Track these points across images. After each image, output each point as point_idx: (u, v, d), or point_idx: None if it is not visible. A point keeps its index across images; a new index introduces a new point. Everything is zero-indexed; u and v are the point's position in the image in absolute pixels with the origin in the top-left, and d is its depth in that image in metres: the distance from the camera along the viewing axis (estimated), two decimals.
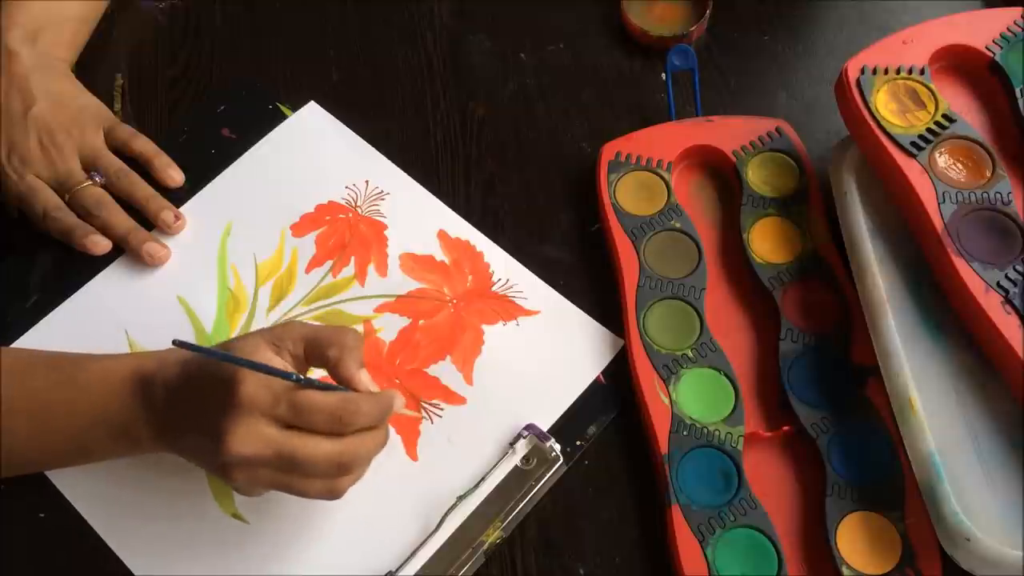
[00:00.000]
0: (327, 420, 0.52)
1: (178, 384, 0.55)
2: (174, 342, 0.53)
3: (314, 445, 0.52)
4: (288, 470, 0.52)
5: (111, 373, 0.57)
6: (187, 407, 0.54)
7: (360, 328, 0.68)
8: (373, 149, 0.76)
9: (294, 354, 0.55)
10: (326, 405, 0.52)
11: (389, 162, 0.75)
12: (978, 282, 0.59)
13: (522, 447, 0.63)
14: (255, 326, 0.69)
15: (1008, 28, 0.68)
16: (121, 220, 0.71)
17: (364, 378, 0.54)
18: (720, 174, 0.73)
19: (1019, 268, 0.60)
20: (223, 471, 0.53)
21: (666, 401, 0.63)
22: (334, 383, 0.55)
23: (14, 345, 0.68)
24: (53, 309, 0.69)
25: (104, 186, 0.72)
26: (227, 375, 0.52)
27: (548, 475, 0.62)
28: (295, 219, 0.73)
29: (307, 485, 0.53)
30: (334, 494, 0.55)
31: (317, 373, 0.56)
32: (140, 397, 0.56)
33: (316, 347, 0.55)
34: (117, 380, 0.57)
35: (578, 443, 0.64)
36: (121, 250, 0.71)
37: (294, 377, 0.52)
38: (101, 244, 0.70)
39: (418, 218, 0.73)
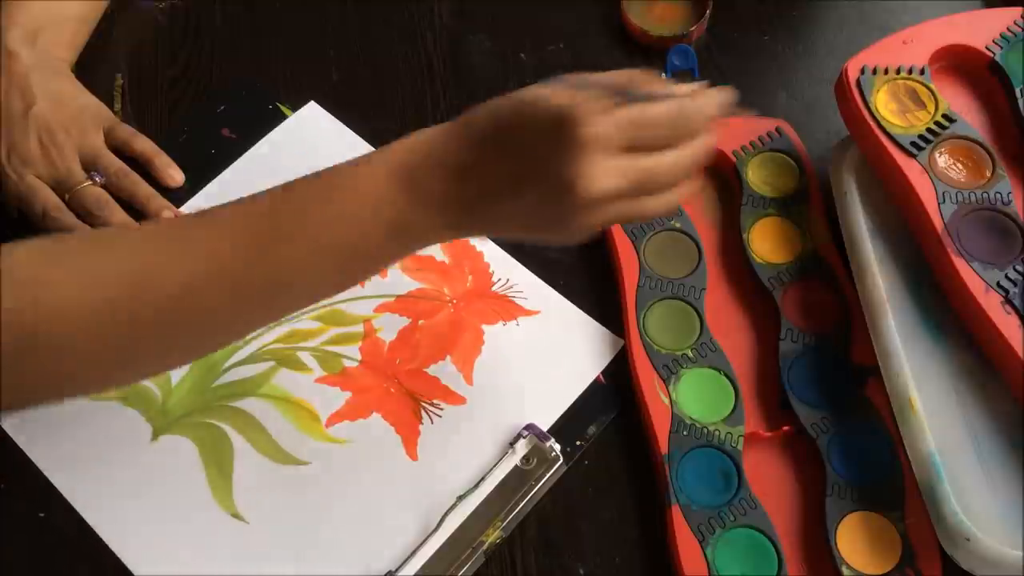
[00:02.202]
0: (672, 128, 0.49)
1: (485, 146, 0.50)
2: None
3: (663, 160, 0.49)
4: (639, 194, 0.50)
5: (366, 173, 0.52)
6: (504, 170, 0.50)
7: (360, 328, 0.68)
8: (373, 149, 0.76)
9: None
10: (668, 112, 0.49)
11: None
12: (978, 282, 0.59)
13: (522, 447, 0.63)
14: None
15: (1008, 28, 0.68)
16: (121, 220, 0.71)
17: (679, 88, 0.51)
18: (720, 174, 0.73)
19: (1019, 268, 0.60)
20: (572, 218, 0.49)
21: (666, 401, 0.63)
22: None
23: None
24: None
25: (104, 186, 0.72)
26: (558, 117, 0.48)
27: (548, 475, 0.62)
28: None
29: (653, 204, 0.51)
30: (672, 207, 0.53)
31: None
32: (412, 189, 0.50)
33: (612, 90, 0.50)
34: (374, 179, 0.51)
35: (578, 443, 0.64)
36: None
37: (627, 99, 0.49)
38: None
39: None
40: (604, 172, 0.48)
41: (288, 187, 0.53)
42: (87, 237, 0.52)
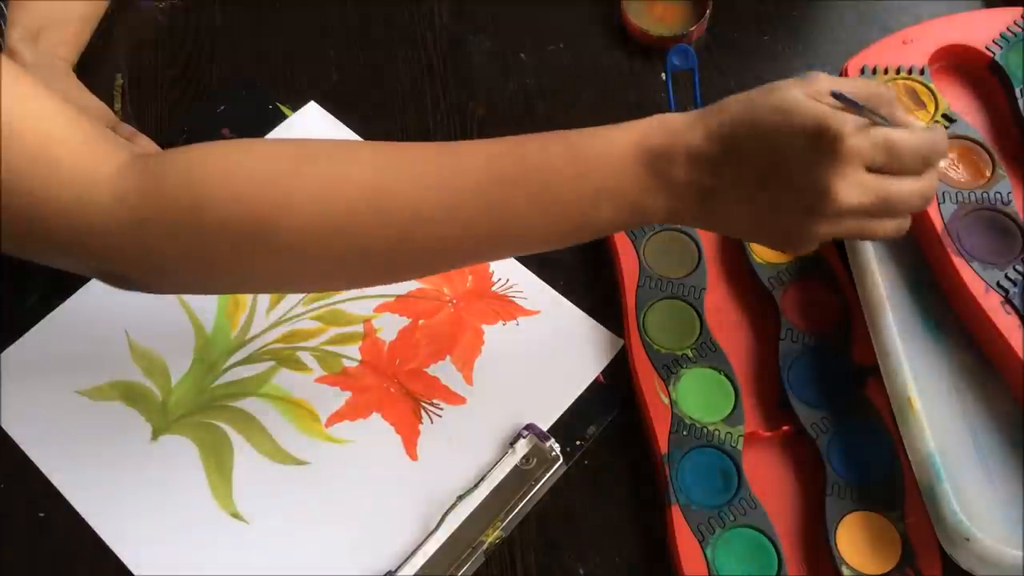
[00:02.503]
0: (916, 159, 0.50)
1: (723, 150, 0.50)
2: (834, 93, 0.50)
3: (908, 186, 0.50)
4: (880, 213, 0.51)
5: (614, 148, 0.52)
6: (747, 170, 0.50)
7: (360, 328, 0.68)
8: None
9: None
10: (917, 145, 0.49)
11: None
12: (978, 282, 0.59)
13: (522, 447, 0.63)
14: (255, 326, 0.69)
15: (1008, 28, 0.69)
16: None
17: (912, 119, 0.52)
18: None
19: (1019, 268, 0.60)
20: (812, 227, 0.50)
21: (666, 401, 0.63)
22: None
23: (15, 345, 0.68)
24: (53, 309, 0.69)
25: None
26: (824, 126, 0.48)
27: (548, 475, 0.62)
28: None
29: (884, 226, 0.52)
30: (900, 232, 0.53)
31: None
32: (654, 172, 0.51)
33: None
34: (619, 155, 0.52)
35: (578, 443, 0.64)
36: None
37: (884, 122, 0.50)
38: None
39: None
40: (856, 186, 0.49)
41: (535, 141, 0.54)
42: (332, 145, 0.54)
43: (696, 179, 0.51)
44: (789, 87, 0.51)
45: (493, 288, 0.70)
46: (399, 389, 0.66)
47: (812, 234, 0.51)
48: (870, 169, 0.49)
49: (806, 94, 0.50)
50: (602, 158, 0.52)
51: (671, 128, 0.52)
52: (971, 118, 0.67)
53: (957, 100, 0.68)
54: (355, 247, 0.51)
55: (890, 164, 0.49)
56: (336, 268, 0.53)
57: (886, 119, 0.50)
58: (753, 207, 0.51)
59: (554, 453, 0.62)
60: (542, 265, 0.71)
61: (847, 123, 0.48)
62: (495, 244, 0.54)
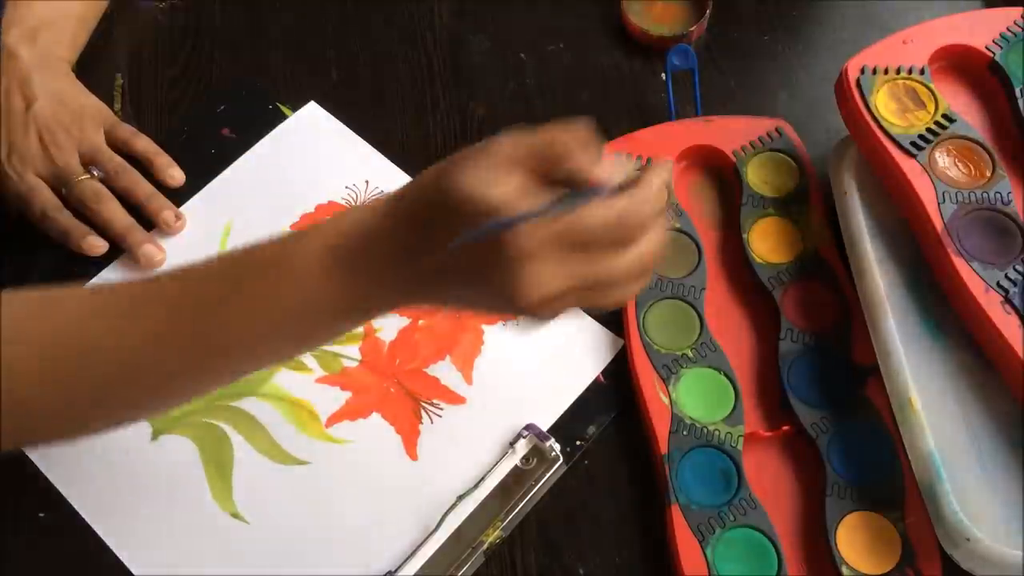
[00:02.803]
0: (612, 236, 0.45)
1: (416, 238, 0.47)
2: (451, 246, 0.44)
3: (608, 264, 0.45)
4: (590, 289, 0.46)
5: (300, 261, 0.49)
6: (443, 258, 0.46)
7: (360, 328, 0.68)
8: (373, 149, 0.76)
9: (519, 179, 0.45)
10: (605, 221, 0.44)
11: (389, 162, 0.75)
12: (978, 282, 0.59)
13: (522, 447, 0.63)
14: None
15: (1008, 28, 0.68)
16: (119, 216, 0.71)
17: (617, 169, 0.46)
18: (720, 174, 0.73)
19: (1019, 268, 0.60)
20: (520, 316, 0.47)
21: (666, 401, 0.63)
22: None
23: None
24: None
25: (103, 182, 0.72)
26: (491, 233, 0.44)
27: (548, 475, 0.62)
28: (295, 219, 0.73)
29: (606, 299, 0.47)
30: (635, 295, 0.51)
31: None
32: (354, 272, 0.48)
33: (544, 166, 0.45)
34: (307, 266, 0.48)
35: (578, 443, 0.64)
36: (122, 250, 0.71)
37: (560, 208, 0.44)
38: (97, 246, 0.70)
39: None
40: (545, 279, 0.44)
41: (226, 260, 0.51)
42: (39, 301, 0.53)
43: (405, 268, 0.47)
44: (465, 167, 0.45)
45: None
46: (399, 389, 0.66)
47: (532, 322, 0.47)
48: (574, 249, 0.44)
49: (487, 178, 0.45)
50: (292, 265, 0.49)
51: (358, 223, 0.48)
52: (971, 118, 0.67)
53: (957, 100, 0.68)
54: (75, 399, 0.51)
55: (584, 248, 0.45)
56: (69, 418, 0.53)
57: (568, 199, 0.44)
58: (469, 293, 0.48)
59: (554, 453, 0.62)
60: None
61: (518, 228, 0.43)
62: (215, 371, 0.53)
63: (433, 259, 0.46)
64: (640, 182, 0.46)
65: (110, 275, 0.71)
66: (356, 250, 0.48)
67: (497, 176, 0.45)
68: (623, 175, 0.46)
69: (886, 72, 0.67)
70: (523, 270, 0.44)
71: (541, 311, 0.46)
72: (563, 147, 0.46)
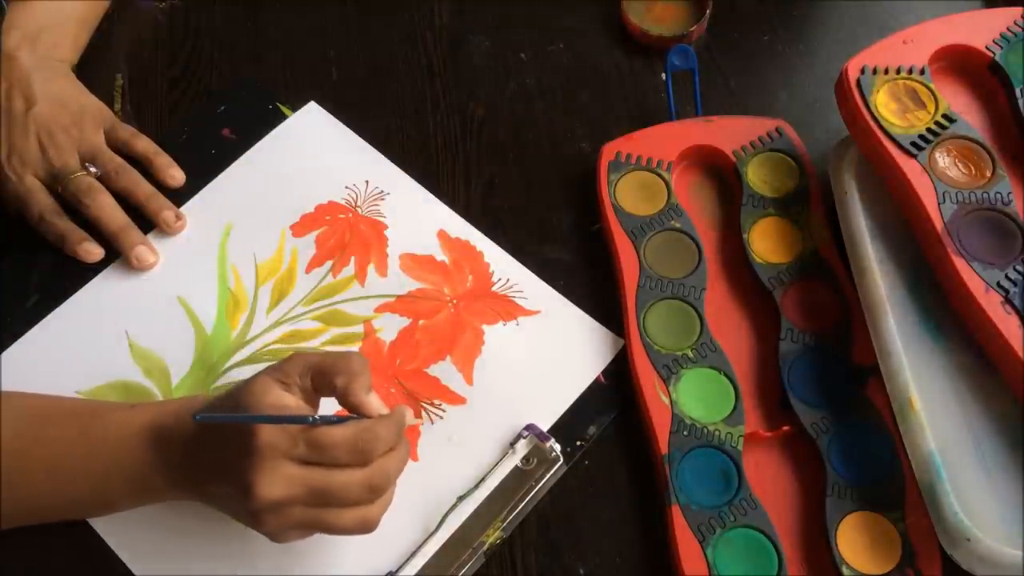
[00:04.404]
0: (348, 452, 0.52)
1: (196, 438, 0.55)
2: (196, 418, 0.53)
3: (336, 476, 0.52)
4: (321, 504, 0.52)
5: (127, 426, 0.57)
6: (207, 459, 0.54)
7: (360, 329, 0.68)
8: (373, 149, 0.76)
9: (302, 387, 0.55)
10: (344, 439, 0.52)
11: (389, 162, 0.75)
12: (978, 282, 0.59)
13: (522, 447, 0.63)
14: (255, 326, 0.69)
15: (1008, 28, 0.68)
16: (114, 214, 0.71)
17: (375, 402, 0.54)
18: (720, 174, 0.73)
19: (1019, 268, 0.60)
20: (254, 518, 0.53)
21: (666, 401, 0.63)
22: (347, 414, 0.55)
23: (15, 345, 0.68)
24: (53, 310, 0.69)
25: (101, 179, 0.72)
26: (242, 424, 0.52)
27: (548, 475, 0.62)
28: (295, 219, 0.73)
29: (341, 517, 0.53)
30: (368, 524, 0.54)
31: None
32: (157, 451, 0.56)
33: (322, 376, 0.54)
34: (133, 434, 0.57)
35: (578, 443, 0.64)
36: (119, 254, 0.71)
37: (309, 420, 0.52)
38: (93, 252, 0.70)
39: (418, 218, 0.73)
40: (275, 479, 0.51)
41: (54, 420, 0.59)
42: None
43: (184, 461, 0.55)
44: (260, 376, 0.55)
45: (493, 288, 0.70)
46: (399, 389, 0.66)
47: (266, 525, 0.53)
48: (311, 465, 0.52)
49: (274, 379, 0.54)
50: (112, 437, 0.57)
51: (178, 408, 0.57)
52: (971, 118, 0.67)
53: (957, 100, 0.68)
54: None
55: (320, 457, 0.52)
56: None
57: (315, 418, 0.52)
58: (221, 495, 0.55)
59: (554, 453, 0.62)
60: (542, 265, 0.71)
61: (271, 426, 0.51)
62: (11, 514, 0.58)
63: (201, 459, 0.54)
64: (389, 419, 0.54)
65: (108, 278, 0.71)
66: (164, 431, 0.56)
67: (270, 389, 0.53)
68: (381, 409, 0.54)
69: (886, 72, 0.67)
70: (265, 463, 0.51)
71: (270, 515, 0.52)
72: (340, 368, 0.54)
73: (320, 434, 0.52)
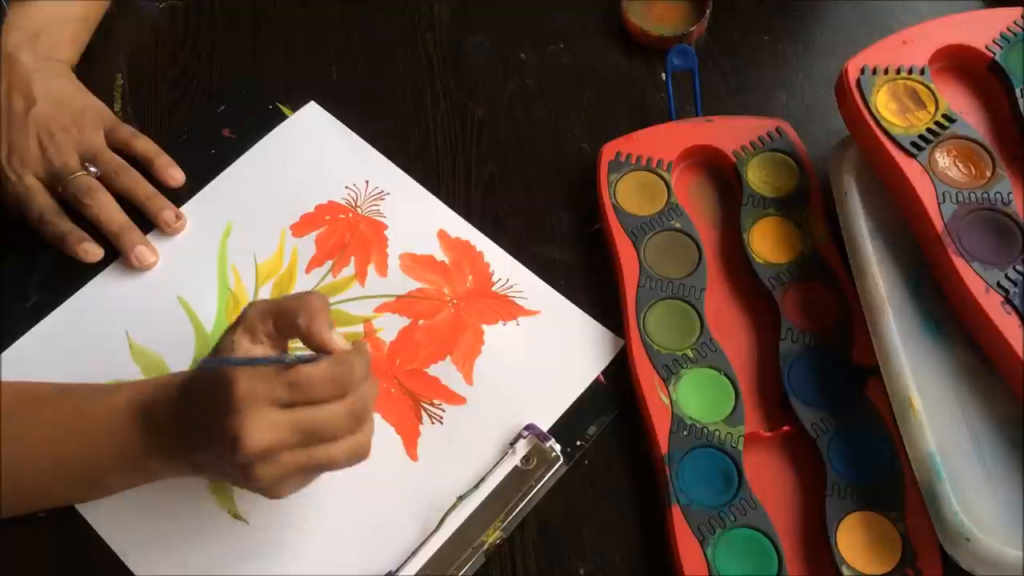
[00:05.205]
0: (328, 387, 0.53)
1: (180, 403, 0.56)
2: (203, 362, 0.54)
3: (324, 410, 0.53)
4: (310, 443, 0.53)
5: (113, 402, 0.57)
6: (193, 422, 0.55)
7: (360, 328, 0.68)
8: (373, 149, 0.76)
9: (268, 333, 0.56)
10: (322, 374, 0.53)
11: (389, 162, 0.75)
12: (978, 282, 0.59)
13: (522, 447, 0.63)
14: None
15: (1008, 28, 0.68)
16: (114, 214, 0.71)
17: (338, 338, 0.55)
18: (720, 174, 0.73)
19: (1019, 268, 0.60)
20: (247, 473, 0.52)
21: (666, 401, 0.63)
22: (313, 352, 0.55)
23: (15, 345, 0.68)
24: (53, 310, 0.69)
25: (101, 179, 0.72)
26: (220, 380, 0.53)
27: (548, 475, 0.62)
28: (295, 219, 0.73)
29: (334, 451, 0.53)
30: (362, 450, 0.55)
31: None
32: (144, 423, 0.56)
33: (284, 319, 0.55)
34: (120, 409, 0.57)
35: (578, 443, 0.64)
36: (119, 253, 0.71)
37: (286, 360, 0.53)
38: (92, 252, 0.70)
39: (418, 218, 0.73)
40: (260, 426, 0.51)
41: (48, 402, 0.59)
42: None
43: (173, 430, 0.56)
44: (226, 333, 0.56)
45: (493, 288, 0.70)
46: (399, 389, 0.66)
47: (256, 477, 0.53)
48: (293, 407, 0.52)
49: (240, 332, 0.55)
50: (102, 416, 0.57)
51: (159, 380, 0.58)
52: (971, 118, 0.67)
53: (957, 100, 0.68)
54: None
55: (301, 396, 0.52)
56: None
57: (290, 357, 0.53)
58: (208, 459, 0.55)
59: (554, 453, 0.62)
60: (542, 265, 0.71)
61: (240, 371, 0.52)
62: (9, 501, 0.58)
63: (187, 428, 0.55)
64: (357, 349, 0.55)
65: (108, 278, 0.71)
66: (150, 404, 0.56)
67: (239, 341, 0.55)
68: (344, 344, 0.55)
69: (886, 72, 0.67)
70: (248, 412, 0.51)
71: (262, 465, 0.52)
72: (296, 303, 0.55)
73: (298, 373, 0.52)
